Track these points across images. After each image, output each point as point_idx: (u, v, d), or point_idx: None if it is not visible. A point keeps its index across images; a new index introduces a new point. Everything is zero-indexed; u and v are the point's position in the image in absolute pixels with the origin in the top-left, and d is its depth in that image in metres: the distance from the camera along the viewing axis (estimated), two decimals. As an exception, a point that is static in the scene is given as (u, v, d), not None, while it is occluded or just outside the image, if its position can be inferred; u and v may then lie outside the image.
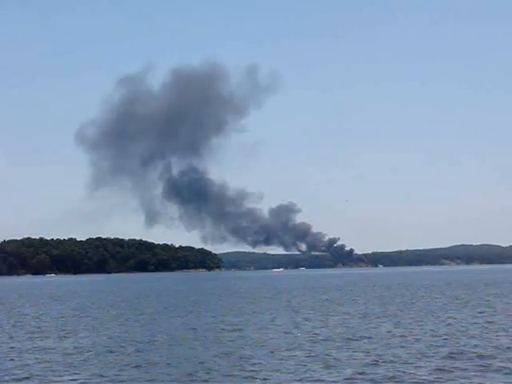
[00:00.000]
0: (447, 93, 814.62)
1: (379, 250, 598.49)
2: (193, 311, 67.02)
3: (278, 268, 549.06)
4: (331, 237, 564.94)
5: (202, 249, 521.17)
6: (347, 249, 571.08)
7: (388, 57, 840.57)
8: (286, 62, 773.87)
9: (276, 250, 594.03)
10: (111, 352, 36.81)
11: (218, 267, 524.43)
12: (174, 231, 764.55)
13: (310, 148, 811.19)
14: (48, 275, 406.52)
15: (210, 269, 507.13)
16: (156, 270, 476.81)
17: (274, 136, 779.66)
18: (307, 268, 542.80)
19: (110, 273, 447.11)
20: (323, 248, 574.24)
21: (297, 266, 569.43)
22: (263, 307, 70.88)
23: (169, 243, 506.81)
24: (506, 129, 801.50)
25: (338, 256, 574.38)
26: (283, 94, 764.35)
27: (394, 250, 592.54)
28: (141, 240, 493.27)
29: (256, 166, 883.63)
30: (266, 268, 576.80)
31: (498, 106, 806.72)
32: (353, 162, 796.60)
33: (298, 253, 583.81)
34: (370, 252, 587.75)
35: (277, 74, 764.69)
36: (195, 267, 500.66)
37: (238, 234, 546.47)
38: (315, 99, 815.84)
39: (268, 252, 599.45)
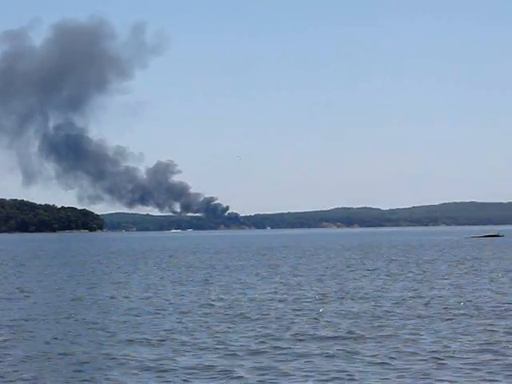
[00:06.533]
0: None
1: (261, 213, 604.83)
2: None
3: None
4: (207, 196, 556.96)
5: (84, 209, 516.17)
6: (222, 207, 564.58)
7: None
8: (175, 21, 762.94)
9: (153, 212, 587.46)
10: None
11: (100, 228, 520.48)
12: (54, 191, 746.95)
13: (196, 110, 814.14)
14: None
15: (92, 230, 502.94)
16: (37, 230, 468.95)
17: (159, 97, 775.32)
18: (194, 230, 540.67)
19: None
20: (196, 208, 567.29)
21: (178, 228, 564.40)
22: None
23: (50, 203, 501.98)
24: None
25: (213, 216, 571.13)
26: (169, 54, 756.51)
27: (276, 212, 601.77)
28: (22, 200, 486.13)
29: (140, 126, 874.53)
30: (148, 229, 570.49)
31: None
32: (239, 121, 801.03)
33: (172, 214, 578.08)
34: (253, 214, 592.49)
35: (164, 33, 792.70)
36: (77, 228, 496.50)
37: (114, 193, 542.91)
38: (203, 60, 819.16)
39: (151, 214, 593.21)
